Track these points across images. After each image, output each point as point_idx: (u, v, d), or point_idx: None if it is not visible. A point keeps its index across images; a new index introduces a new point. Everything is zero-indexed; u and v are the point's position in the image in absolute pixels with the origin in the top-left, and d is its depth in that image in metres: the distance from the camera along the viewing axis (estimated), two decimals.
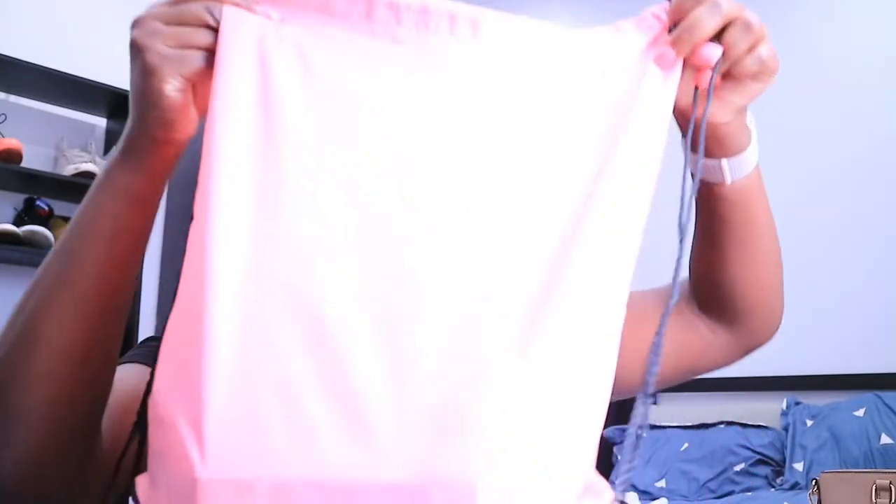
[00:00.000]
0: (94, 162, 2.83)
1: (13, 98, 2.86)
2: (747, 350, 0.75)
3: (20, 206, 2.77)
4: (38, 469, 0.55)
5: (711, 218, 0.66)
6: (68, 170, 2.79)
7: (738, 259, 0.69)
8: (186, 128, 0.53)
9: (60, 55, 2.81)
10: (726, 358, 0.76)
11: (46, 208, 2.75)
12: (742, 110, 0.60)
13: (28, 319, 0.55)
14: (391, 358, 0.48)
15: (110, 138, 3.11)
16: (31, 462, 0.55)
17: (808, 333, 3.11)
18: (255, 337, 0.48)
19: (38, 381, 0.54)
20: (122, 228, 0.55)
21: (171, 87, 0.51)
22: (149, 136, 0.53)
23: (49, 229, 2.69)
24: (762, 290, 0.72)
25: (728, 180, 0.63)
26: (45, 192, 2.81)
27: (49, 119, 2.98)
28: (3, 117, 2.77)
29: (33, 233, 2.64)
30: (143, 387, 0.70)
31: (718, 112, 0.58)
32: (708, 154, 0.62)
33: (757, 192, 0.66)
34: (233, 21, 0.52)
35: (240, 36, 0.52)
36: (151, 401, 0.49)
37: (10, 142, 2.68)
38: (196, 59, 0.51)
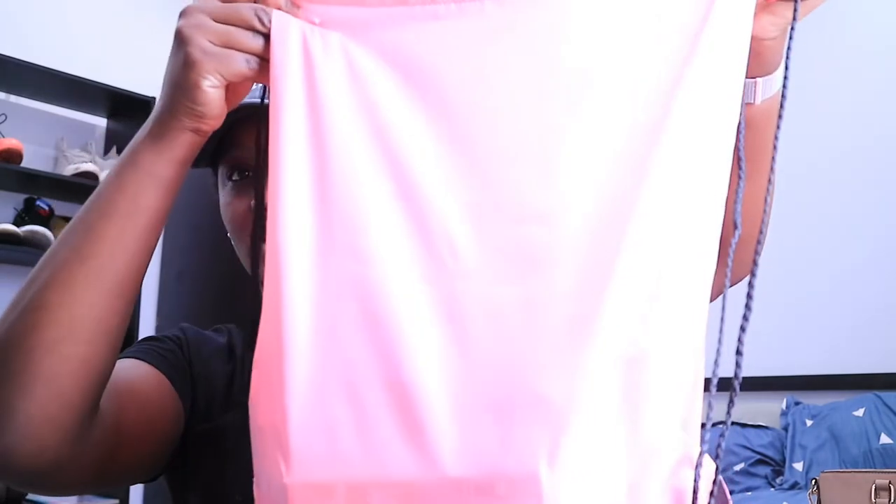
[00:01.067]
0: (95, 162, 2.84)
1: (14, 98, 2.87)
2: (720, 291, 0.73)
3: (20, 206, 2.77)
4: (38, 441, 0.55)
5: None
6: (68, 170, 2.80)
7: (742, 190, 0.65)
8: (216, 120, 0.55)
9: (61, 56, 2.82)
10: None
11: (47, 208, 2.76)
12: (787, 27, 0.57)
13: (40, 290, 0.55)
14: (448, 352, 0.48)
15: (110, 138, 3.11)
16: (31, 435, 0.55)
17: (808, 334, 3.12)
18: (325, 344, 0.49)
19: (42, 350, 0.54)
20: (142, 208, 0.56)
21: (209, 83, 0.52)
22: (178, 124, 0.54)
23: (49, 229, 2.69)
24: (755, 224, 0.70)
25: (758, 100, 0.61)
26: (46, 192, 2.82)
27: (49, 119, 2.98)
28: (4, 117, 2.77)
29: (34, 233, 2.64)
30: (140, 380, 0.71)
31: (769, 27, 0.56)
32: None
33: (773, 118, 0.61)
34: (282, 27, 0.53)
35: (289, 45, 0.52)
36: (251, 408, 0.52)
37: (11, 142, 2.68)
38: (238, 61, 0.53)
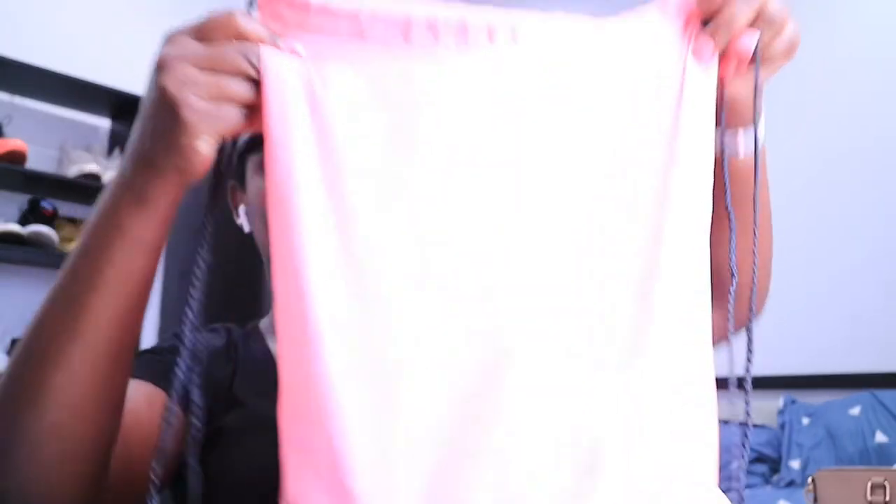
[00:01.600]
0: (98, 163, 2.85)
1: (18, 100, 2.88)
2: (723, 336, 0.73)
3: (25, 206, 2.79)
4: None
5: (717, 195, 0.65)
6: (72, 171, 2.81)
7: (738, 239, 0.67)
8: (205, 171, 0.50)
9: (65, 57, 2.83)
10: (713, 341, 0.76)
11: (51, 209, 2.77)
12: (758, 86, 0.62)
13: (34, 372, 0.52)
14: (514, 407, 0.47)
15: (114, 139, 3.13)
16: None
17: (804, 333, 3.13)
18: (379, 412, 0.46)
19: (48, 437, 0.52)
20: (132, 276, 0.52)
21: (205, 144, 0.48)
22: (167, 183, 0.50)
23: (53, 230, 2.71)
24: (756, 269, 0.73)
25: (741, 150, 0.64)
26: (50, 192, 2.83)
27: (53, 120, 3.00)
28: (9, 119, 2.79)
29: (38, 233, 2.66)
30: (142, 406, 0.68)
31: (742, 90, 0.61)
32: (722, 126, 0.62)
33: (762, 168, 0.66)
34: (274, 69, 0.49)
35: (288, 89, 0.49)
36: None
37: (15, 143, 2.70)
38: (234, 116, 0.49)
